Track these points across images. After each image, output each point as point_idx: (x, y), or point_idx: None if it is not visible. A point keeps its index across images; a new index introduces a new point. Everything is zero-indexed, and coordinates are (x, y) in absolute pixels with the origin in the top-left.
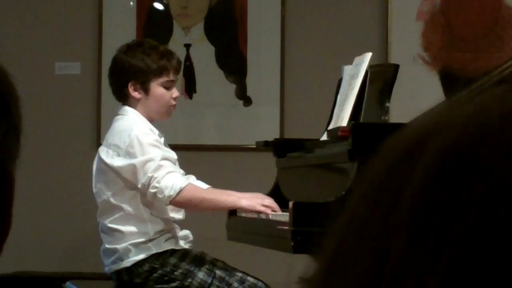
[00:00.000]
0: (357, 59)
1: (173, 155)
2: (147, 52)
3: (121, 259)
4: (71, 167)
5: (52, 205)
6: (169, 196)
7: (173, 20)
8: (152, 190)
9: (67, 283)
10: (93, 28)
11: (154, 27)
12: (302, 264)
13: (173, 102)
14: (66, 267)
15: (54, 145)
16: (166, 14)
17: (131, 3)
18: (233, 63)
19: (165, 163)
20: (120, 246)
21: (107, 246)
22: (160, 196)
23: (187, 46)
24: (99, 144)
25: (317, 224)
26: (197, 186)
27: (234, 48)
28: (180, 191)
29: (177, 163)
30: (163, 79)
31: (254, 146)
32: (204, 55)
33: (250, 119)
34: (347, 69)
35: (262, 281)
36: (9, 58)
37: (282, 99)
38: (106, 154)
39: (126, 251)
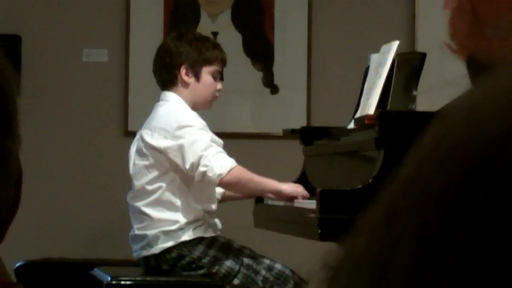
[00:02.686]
0: (384, 47)
1: (219, 140)
2: (201, 40)
3: (150, 245)
4: (99, 154)
5: (79, 192)
6: (220, 174)
7: (200, 7)
8: (202, 169)
9: (95, 269)
10: (121, 15)
11: (182, 14)
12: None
13: (217, 94)
14: (94, 253)
15: (81, 132)
16: (193, 2)
17: None
18: (260, 51)
19: (213, 144)
20: (149, 232)
21: (137, 232)
22: (210, 174)
23: (214, 33)
24: (126, 131)
25: (343, 212)
26: (243, 168)
27: (261, 36)
28: (230, 170)
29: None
30: (214, 68)
31: (281, 134)
32: (231, 43)
33: (277, 106)
34: (374, 57)
35: (289, 269)
36: (37, 45)
37: (309, 87)
38: (151, 137)
39: (155, 238)
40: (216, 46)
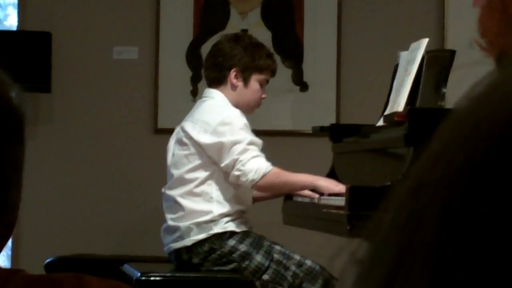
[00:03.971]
0: (413, 45)
1: (259, 140)
2: (256, 46)
3: (182, 237)
4: (128, 151)
5: (109, 189)
6: (253, 180)
7: (230, 5)
8: (236, 173)
9: (125, 265)
10: (151, 13)
11: (212, 12)
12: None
13: (261, 102)
14: (124, 250)
15: (111, 129)
16: None
17: None
18: (290, 48)
19: (251, 147)
20: (182, 224)
21: (170, 223)
22: (243, 179)
23: (244, 31)
24: (156, 129)
25: (373, 208)
26: (280, 170)
27: (291, 33)
28: (264, 175)
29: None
30: (263, 76)
31: (311, 131)
32: (260, 40)
33: (306, 104)
34: (404, 55)
35: (319, 265)
36: (67, 42)
37: (338, 85)
38: (192, 128)
39: (188, 230)
40: (270, 56)
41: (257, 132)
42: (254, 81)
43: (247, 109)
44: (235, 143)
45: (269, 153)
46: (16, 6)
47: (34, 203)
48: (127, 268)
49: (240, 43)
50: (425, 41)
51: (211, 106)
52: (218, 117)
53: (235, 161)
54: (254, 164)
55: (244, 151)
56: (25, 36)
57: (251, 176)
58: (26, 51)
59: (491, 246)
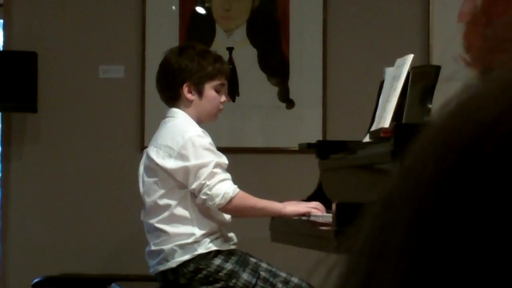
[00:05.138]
0: (399, 61)
1: (224, 160)
2: (202, 55)
3: (166, 259)
4: (115, 170)
5: (96, 208)
6: (219, 204)
7: (216, 23)
8: (203, 197)
9: (112, 284)
10: (137, 32)
11: (197, 30)
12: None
13: (221, 106)
14: (111, 269)
15: (98, 148)
16: (208, 17)
17: (174, 7)
18: (276, 66)
19: (217, 170)
20: (166, 247)
21: (153, 247)
22: (210, 203)
23: (230, 49)
24: (143, 147)
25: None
26: (246, 195)
27: (277, 51)
28: (231, 199)
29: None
30: (216, 82)
31: (297, 148)
32: (246, 58)
33: (292, 121)
34: (389, 71)
35: (306, 282)
36: (53, 62)
37: (324, 101)
38: (156, 155)
39: (172, 252)
40: (218, 60)
41: (243, 150)
42: (209, 89)
43: (209, 118)
44: (201, 166)
45: (255, 170)
46: (2, 26)
47: (21, 223)
48: (115, 287)
49: (185, 55)
50: (410, 57)
51: (173, 128)
52: (180, 140)
53: (202, 186)
54: (221, 188)
55: (211, 175)
56: (11, 56)
57: (217, 200)
58: (12, 71)
59: (459, 251)
